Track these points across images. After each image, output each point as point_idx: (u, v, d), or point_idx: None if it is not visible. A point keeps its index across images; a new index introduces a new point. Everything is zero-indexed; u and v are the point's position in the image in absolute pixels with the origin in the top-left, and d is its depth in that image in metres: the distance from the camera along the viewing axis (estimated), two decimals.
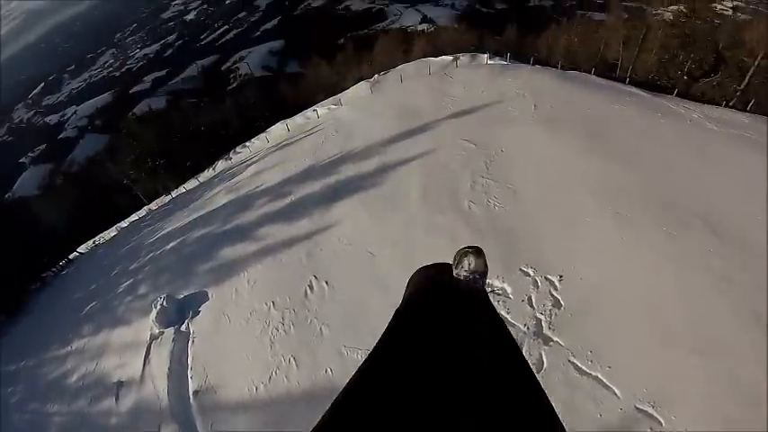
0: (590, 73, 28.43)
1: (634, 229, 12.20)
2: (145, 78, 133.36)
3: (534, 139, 17.63)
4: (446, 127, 20.60)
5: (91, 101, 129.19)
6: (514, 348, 1.39)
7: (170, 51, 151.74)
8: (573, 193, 14.04)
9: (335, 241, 15.98)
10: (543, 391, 1.22)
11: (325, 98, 39.93)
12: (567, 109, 19.95)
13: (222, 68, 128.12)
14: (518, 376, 1.28)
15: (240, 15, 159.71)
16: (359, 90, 34.87)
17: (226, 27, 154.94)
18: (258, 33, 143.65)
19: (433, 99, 24.58)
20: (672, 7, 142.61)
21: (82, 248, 35.96)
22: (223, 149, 40.71)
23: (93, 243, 35.92)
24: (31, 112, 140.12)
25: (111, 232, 36.75)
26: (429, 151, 18.55)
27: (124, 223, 37.30)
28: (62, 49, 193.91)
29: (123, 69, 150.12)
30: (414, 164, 18.29)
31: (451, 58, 35.66)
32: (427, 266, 1.77)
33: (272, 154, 29.03)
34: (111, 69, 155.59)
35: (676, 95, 24.54)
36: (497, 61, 33.39)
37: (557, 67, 34.09)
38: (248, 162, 31.01)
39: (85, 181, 45.85)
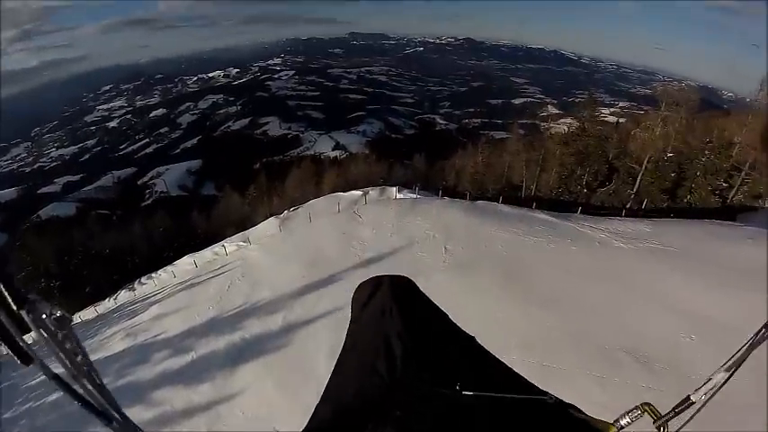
0: (498, 201, 29.66)
1: (564, 381, 11.52)
2: (56, 180, 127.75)
3: (449, 288, 16.66)
4: (355, 278, 19.90)
5: None
6: (463, 332, 1.62)
7: (87, 156, 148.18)
8: (497, 346, 13.51)
9: (239, 415, 14.57)
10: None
11: (236, 232, 39.33)
12: (480, 250, 20.24)
13: (138, 182, 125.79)
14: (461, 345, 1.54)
15: (162, 130, 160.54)
16: (268, 227, 34.44)
17: (147, 140, 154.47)
18: (178, 151, 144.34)
19: (341, 244, 24.26)
20: (561, 120, 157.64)
21: None
22: (127, 277, 38.37)
23: None
24: None
25: None
26: (338, 308, 17.31)
27: (5, 350, 32.70)
28: None
29: (35, 166, 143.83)
30: (322, 322, 17.50)
31: (360, 193, 36.40)
32: (363, 282, 1.91)
33: (176, 295, 27.23)
34: (21, 164, 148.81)
35: (580, 212, 26.58)
36: (406, 195, 34.30)
37: (465, 197, 35.59)
38: (151, 298, 29.04)
39: None
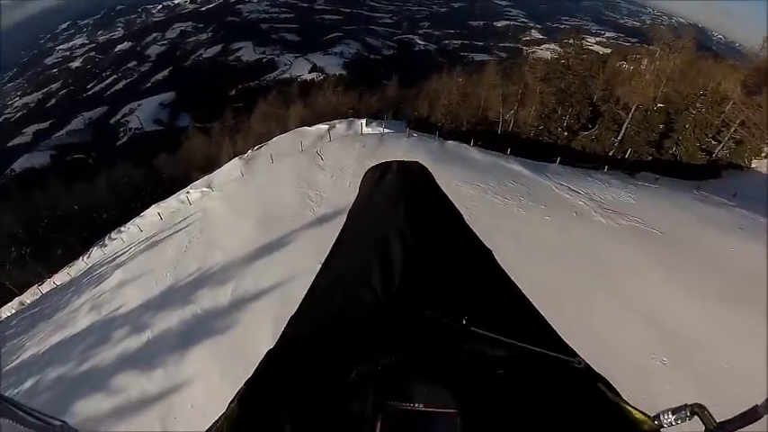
0: (470, 140, 28.08)
1: None
2: (25, 130, 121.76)
3: None
4: (305, 243, 19.07)
5: None
6: (458, 216, 1.48)
7: (53, 101, 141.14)
8: None
9: (188, 408, 14.28)
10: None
11: (202, 174, 38.07)
12: None
13: (111, 121, 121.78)
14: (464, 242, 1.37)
15: (130, 65, 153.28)
16: (231, 170, 33.09)
17: (114, 77, 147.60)
18: (149, 84, 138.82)
19: (297, 195, 23.50)
20: (545, 46, 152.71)
21: None
22: (97, 234, 37.38)
23: None
24: None
25: None
26: (284, 281, 16.98)
27: None
28: None
29: (0, 119, 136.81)
30: (268, 299, 16.90)
31: (326, 127, 34.58)
32: (374, 165, 1.73)
33: (138, 257, 26.85)
34: None
35: (559, 162, 24.57)
36: (374, 128, 32.48)
37: (438, 129, 34.14)
38: (117, 260, 28.60)
39: None
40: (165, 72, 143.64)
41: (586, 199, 19.14)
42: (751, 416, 0.75)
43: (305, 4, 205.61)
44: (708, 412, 0.79)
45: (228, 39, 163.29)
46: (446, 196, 1.56)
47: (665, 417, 0.82)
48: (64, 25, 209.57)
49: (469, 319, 0.95)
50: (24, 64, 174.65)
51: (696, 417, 0.79)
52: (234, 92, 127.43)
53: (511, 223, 17.54)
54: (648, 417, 0.82)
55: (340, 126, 34.58)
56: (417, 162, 1.71)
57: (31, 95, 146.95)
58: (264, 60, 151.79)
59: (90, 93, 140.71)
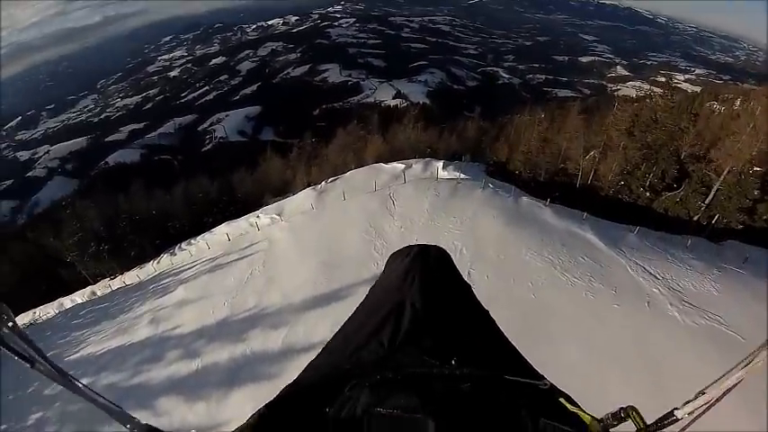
0: (547, 196, 26.55)
1: None
2: (122, 128, 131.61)
3: None
4: (361, 297, 18.39)
5: (65, 143, 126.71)
6: (479, 307, 1.64)
7: (150, 105, 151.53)
8: None
9: None
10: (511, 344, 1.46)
11: (274, 197, 38.73)
12: (506, 285, 17.88)
13: (199, 128, 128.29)
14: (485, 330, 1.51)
15: (222, 78, 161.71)
16: (303, 200, 33.08)
17: (207, 88, 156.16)
18: (237, 97, 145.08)
19: (364, 242, 23.16)
20: (630, 83, 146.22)
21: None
22: (168, 242, 39.03)
23: (31, 322, 33.47)
24: (3, 145, 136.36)
25: (50, 309, 34.94)
26: None
27: (66, 300, 35.69)
28: (44, 86, 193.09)
29: (102, 116, 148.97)
30: (315, 354, 16.21)
31: (402, 166, 34.26)
32: (399, 249, 1.92)
33: (201, 277, 27.52)
34: (89, 114, 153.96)
35: (637, 232, 22.25)
36: (451, 172, 31.74)
37: (515, 177, 33.34)
38: (181, 275, 29.54)
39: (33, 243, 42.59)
40: (254, 87, 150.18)
41: (663, 286, 17.38)
42: (668, 418, 0.99)
43: (392, 32, 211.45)
44: (637, 414, 1.00)
45: (316, 60, 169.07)
46: (458, 273, 1.78)
47: (608, 418, 1.03)
48: (167, 38, 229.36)
49: (458, 360, 1.14)
50: (129, 70, 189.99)
51: (629, 419, 1.00)
52: (317, 111, 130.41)
53: (575, 311, 16.28)
54: (596, 419, 1.02)
55: (416, 166, 33.99)
56: (437, 246, 1.87)
57: (131, 98, 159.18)
58: (350, 83, 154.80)
59: (183, 100, 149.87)
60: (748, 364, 0.95)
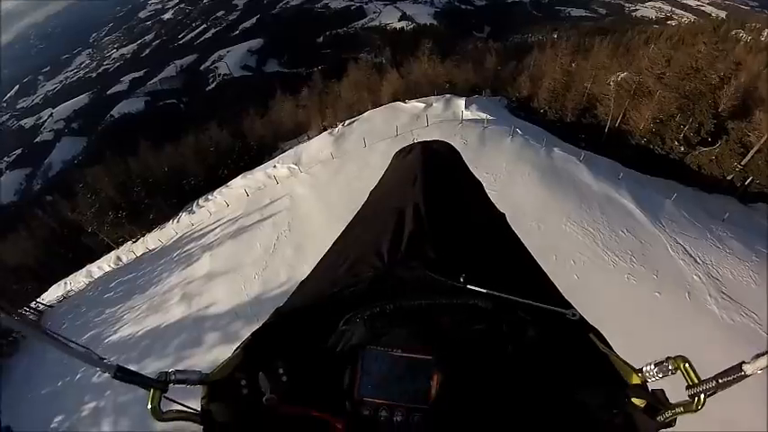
0: (576, 137, 25.05)
1: None
2: (122, 79, 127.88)
3: None
4: None
5: (67, 103, 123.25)
6: (493, 209, 1.56)
7: (147, 51, 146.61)
8: None
9: None
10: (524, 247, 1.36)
11: (289, 142, 36.79)
12: (547, 265, 16.37)
13: (201, 68, 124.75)
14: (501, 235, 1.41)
15: (218, 14, 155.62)
16: (320, 147, 31.13)
17: (204, 26, 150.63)
18: (237, 32, 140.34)
19: None
20: (649, 3, 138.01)
21: (51, 296, 34.50)
22: (185, 200, 37.96)
23: (64, 295, 33.79)
24: (6, 116, 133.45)
25: (80, 278, 35.06)
26: None
27: (94, 268, 35.68)
28: (36, 50, 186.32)
29: (100, 70, 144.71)
30: None
31: (422, 105, 31.96)
32: (403, 147, 1.80)
33: (225, 243, 26.56)
34: (87, 70, 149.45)
35: (674, 196, 21.04)
36: (474, 112, 29.53)
37: (542, 114, 32.03)
38: (204, 238, 28.73)
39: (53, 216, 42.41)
40: (253, 20, 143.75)
41: (703, 272, 16.47)
42: (734, 374, 0.75)
43: None
44: (690, 366, 0.82)
45: None
46: (468, 170, 1.66)
47: (650, 370, 0.85)
48: None
49: (468, 277, 1.00)
50: (120, 18, 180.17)
51: (679, 372, 0.82)
52: (322, 39, 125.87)
53: (619, 296, 15.39)
54: (634, 369, 0.87)
55: (437, 105, 31.85)
56: (443, 141, 1.77)
57: (126, 47, 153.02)
58: (353, 8, 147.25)
59: (181, 42, 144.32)
60: None
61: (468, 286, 0.97)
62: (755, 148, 24.50)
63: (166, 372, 0.93)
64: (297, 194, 26.82)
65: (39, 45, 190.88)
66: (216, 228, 29.23)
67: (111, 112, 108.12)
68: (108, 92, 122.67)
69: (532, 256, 1.28)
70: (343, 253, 1.29)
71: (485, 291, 0.95)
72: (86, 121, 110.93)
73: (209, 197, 35.52)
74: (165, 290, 25.54)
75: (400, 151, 1.75)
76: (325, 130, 36.31)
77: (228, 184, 35.28)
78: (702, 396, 0.76)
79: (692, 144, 27.42)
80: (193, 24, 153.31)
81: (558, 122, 32.96)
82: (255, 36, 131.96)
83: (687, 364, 0.80)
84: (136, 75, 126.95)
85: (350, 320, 0.94)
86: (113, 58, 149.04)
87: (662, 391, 0.83)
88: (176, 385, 0.94)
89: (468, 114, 29.18)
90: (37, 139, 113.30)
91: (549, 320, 0.93)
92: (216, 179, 37.66)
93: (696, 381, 0.78)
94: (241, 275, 22.24)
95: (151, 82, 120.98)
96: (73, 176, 43.37)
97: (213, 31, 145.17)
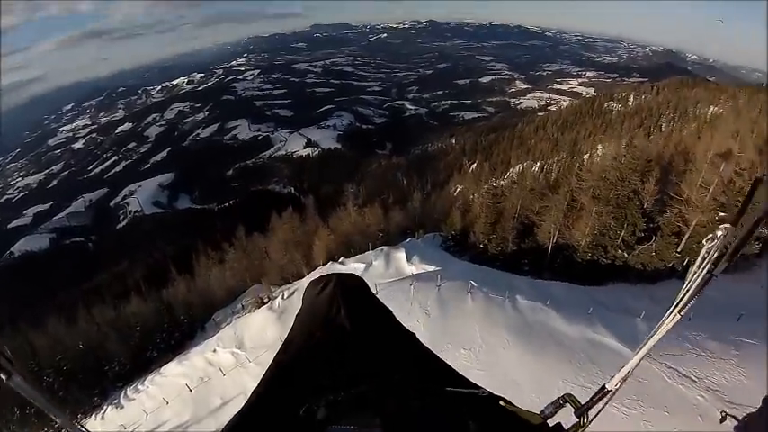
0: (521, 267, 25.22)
1: None
2: (26, 212, 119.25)
3: None
4: None
5: None
6: (404, 329, 1.63)
7: (55, 182, 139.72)
8: None
9: None
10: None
11: (222, 305, 35.52)
12: None
13: (111, 204, 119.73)
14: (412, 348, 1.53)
15: (130, 146, 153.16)
16: (263, 325, 28.38)
17: (115, 158, 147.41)
18: (148, 165, 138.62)
19: None
20: (531, 95, 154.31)
21: None
22: (109, 387, 32.62)
23: None
24: None
25: None
26: None
27: None
28: None
29: (2, 200, 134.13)
30: None
31: (363, 265, 30.11)
32: (314, 279, 1.88)
33: None
34: None
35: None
36: (418, 265, 28.45)
37: (482, 248, 32.29)
38: None
39: None
40: (164, 153, 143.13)
41: (702, 389, 15.73)
42: (600, 393, 1.18)
43: (296, 79, 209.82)
44: (574, 398, 1.16)
45: (224, 117, 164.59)
46: (377, 299, 1.79)
47: (548, 409, 1.15)
48: (68, 106, 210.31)
49: (401, 378, 1.21)
50: (28, 145, 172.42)
51: (567, 404, 1.15)
52: (231, 171, 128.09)
53: None
54: (537, 413, 1.13)
55: (377, 262, 30.11)
56: (354, 275, 1.91)
57: (33, 176, 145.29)
58: (260, 138, 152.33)
59: (91, 174, 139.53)
60: (657, 331, 1.11)
61: (401, 382, 1.18)
62: (687, 235, 27.06)
63: None
64: (247, 388, 23.25)
65: None
66: None
67: (11, 249, 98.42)
68: (9, 225, 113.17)
69: (444, 361, 1.42)
70: (285, 371, 1.38)
71: (416, 385, 1.18)
72: None
73: (140, 387, 30.23)
74: None
75: (315, 282, 1.81)
76: (261, 302, 33.17)
77: (161, 371, 30.24)
78: (586, 415, 1.14)
79: (630, 246, 28.79)
80: (104, 156, 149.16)
81: (500, 255, 32.90)
82: (167, 170, 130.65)
83: (571, 398, 1.14)
84: (41, 207, 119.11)
85: (308, 409, 1.03)
86: (17, 188, 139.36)
87: (559, 423, 1.12)
88: None
89: (413, 269, 27.99)
90: None
91: (463, 398, 1.14)
92: (144, 361, 33.06)
93: (579, 405, 1.13)
94: None
95: (57, 217, 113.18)
96: None
97: (124, 163, 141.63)
